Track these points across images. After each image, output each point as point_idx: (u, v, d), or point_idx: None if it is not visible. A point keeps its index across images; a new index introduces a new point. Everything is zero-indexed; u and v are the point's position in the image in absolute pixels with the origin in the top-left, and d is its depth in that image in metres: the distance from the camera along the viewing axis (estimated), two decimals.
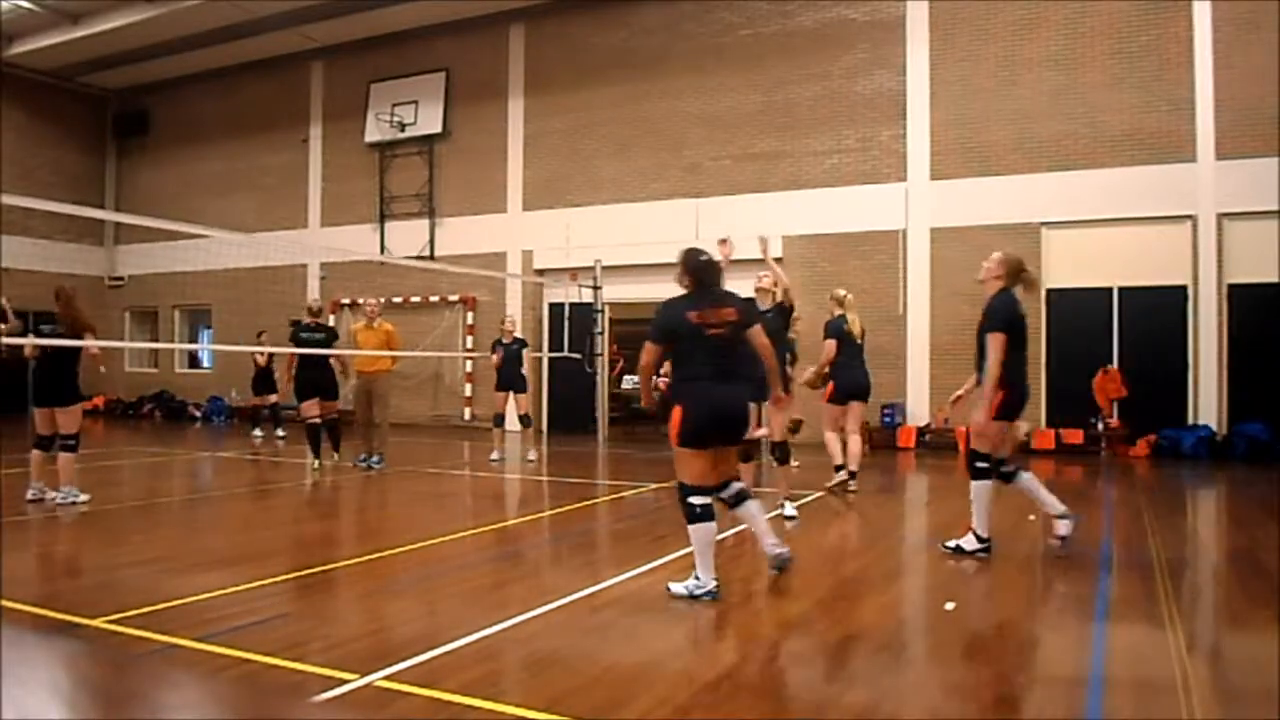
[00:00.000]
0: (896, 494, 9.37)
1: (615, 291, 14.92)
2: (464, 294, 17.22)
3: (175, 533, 6.95)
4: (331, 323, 15.00)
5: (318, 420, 10.09)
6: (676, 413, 4.62)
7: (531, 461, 11.27)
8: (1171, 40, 12.27)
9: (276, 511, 8.25)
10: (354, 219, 18.55)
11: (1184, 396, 12.12)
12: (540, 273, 16.23)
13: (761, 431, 7.73)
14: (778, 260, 8.61)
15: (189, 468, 11.55)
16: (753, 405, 7.05)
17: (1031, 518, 7.54)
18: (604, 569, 5.22)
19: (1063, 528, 5.81)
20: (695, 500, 4.62)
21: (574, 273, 14.94)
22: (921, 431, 13.16)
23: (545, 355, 15.61)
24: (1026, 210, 12.93)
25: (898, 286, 13.73)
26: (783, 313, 7.59)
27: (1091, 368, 12.26)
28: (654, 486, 8.83)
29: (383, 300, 12.65)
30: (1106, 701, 3.35)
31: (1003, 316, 5.64)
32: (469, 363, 17.13)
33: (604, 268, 14.61)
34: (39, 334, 7.62)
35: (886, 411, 13.32)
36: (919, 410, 13.43)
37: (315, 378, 10.09)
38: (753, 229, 14.66)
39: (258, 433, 14.59)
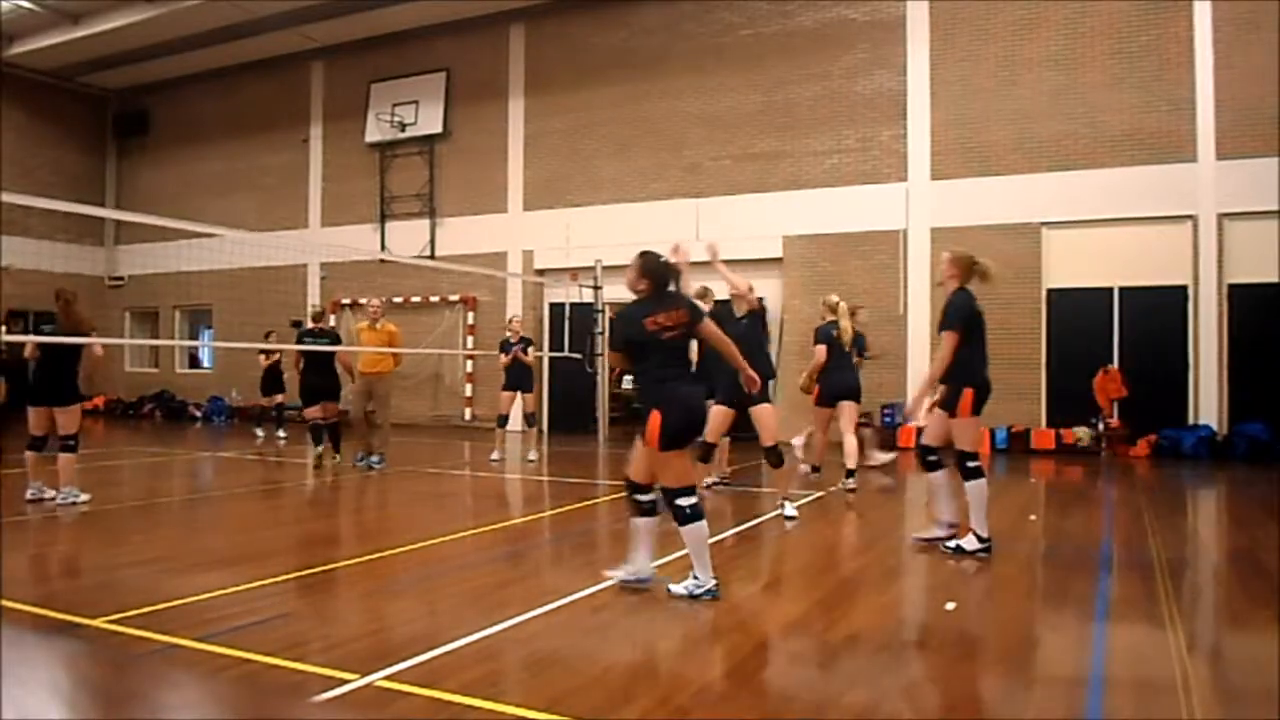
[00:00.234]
0: (896, 494, 9.37)
1: (616, 291, 14.89)
2: (464, 294, 17.23)
3: (175, 533, 6.95)
4: (332, 322, 15.01)
5: (321, 421, 10.23)
6: (655, 417, 4.58)
7: (532, 461, 11.27)
8: (1172, 40, 12.27)
9: (277, 511, 8.25)
10: (354, 219, 18.55)
11: (1184, 396, 12.12)
12: (541, 273, 16.24)
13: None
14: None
15: (189, 468, 11.55)
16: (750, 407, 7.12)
17: (1033, 517, 7.55)
18: (603, 568, 5.21)
19: (937, 530, 5.90)
20: (684, 502, 4.63)
21: (574, 273, 14.94)
22: (922, 431, 13.14)
23: (546, 355, 15.61)
24: (1027, 210, 12.93)
25: (898, 286, 13.74)
26: (757, 318, 7.52)
27: (1092, 368, 12.26)
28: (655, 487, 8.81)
29: (384, 300, 12.67)
30: (1107, 701, 3.35)
31: (959, 315, 5.83)
32: (469, 363, 17.14)
33: (604, 268, 14.60)
34: (40, 334, 7.62)
35: (887, 411, 13.33)
36: (919, 410, 13.41)
37: (318, 383, 10.24)
38: (753, 229, 14.84)
39: (259, 431, 14.61)
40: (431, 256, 17.03)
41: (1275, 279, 11.65)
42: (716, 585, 4.62)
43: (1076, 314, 12.67)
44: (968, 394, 5.75)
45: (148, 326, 21.73)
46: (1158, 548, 6.08)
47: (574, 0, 16.32)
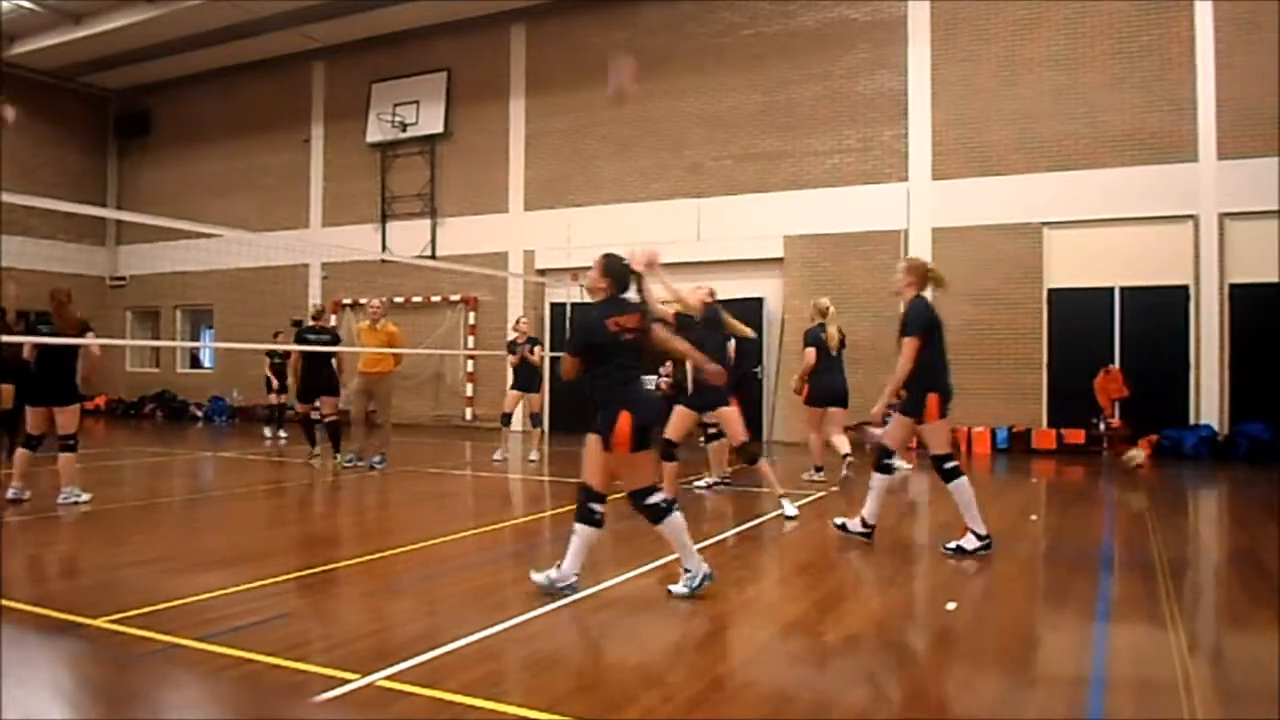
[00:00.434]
0: (896, 494, 9.35)
1: None
2: (465, 294, 17.23)
3: (176, 532, 6.95)
4: (333, 322, 14.99)
5: (316, 417, 10.30)
6: (625, 418, 4.53)
7: (533, 461, 11.28)
8: (1172, 40, 12.27)
9: (278, 511, 8.25)
10: (355, 219, 18.56)
11: (1185, 396, 12.12)
12: (542, 273, 16.24)
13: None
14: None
15: (190, 467, 11.56)
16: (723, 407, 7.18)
17: (1033, 517, 7.54)
18: (604, 569, 5.21)
19: (852, 525, 6.04)
20: (654, 500, 4.65)
21: (575, 273, 14.91)
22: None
23: (546, 355, 15.59)
24: (1027, 210, 12.93)
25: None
26: (709, 323, 7.35)
27: (1093, 367, 12.25)
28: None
29: (385, 300, 12.67)
30: (1108, 701, 3.34)
31: (918, 322, 6.01)
32: (470, 363, 17.14)
33: None
34: (38, 334, 7.60)
35: (887, 412, 13.30)
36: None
37: (317, 379, 10.32)
38: (754, 229, 14.84)
39: (268, 432, 14.66)
40: (432, 256, 17.03)
41: (1276, 279, 11.64)
42: (709, 569, 4.65)
43: (1077, 314, 12.67)
44: (932, 399, 5.85)
45: (149, 326, 21.75)
46: (1159, 547, 6.07)
47: (575, 0, 16.32)
